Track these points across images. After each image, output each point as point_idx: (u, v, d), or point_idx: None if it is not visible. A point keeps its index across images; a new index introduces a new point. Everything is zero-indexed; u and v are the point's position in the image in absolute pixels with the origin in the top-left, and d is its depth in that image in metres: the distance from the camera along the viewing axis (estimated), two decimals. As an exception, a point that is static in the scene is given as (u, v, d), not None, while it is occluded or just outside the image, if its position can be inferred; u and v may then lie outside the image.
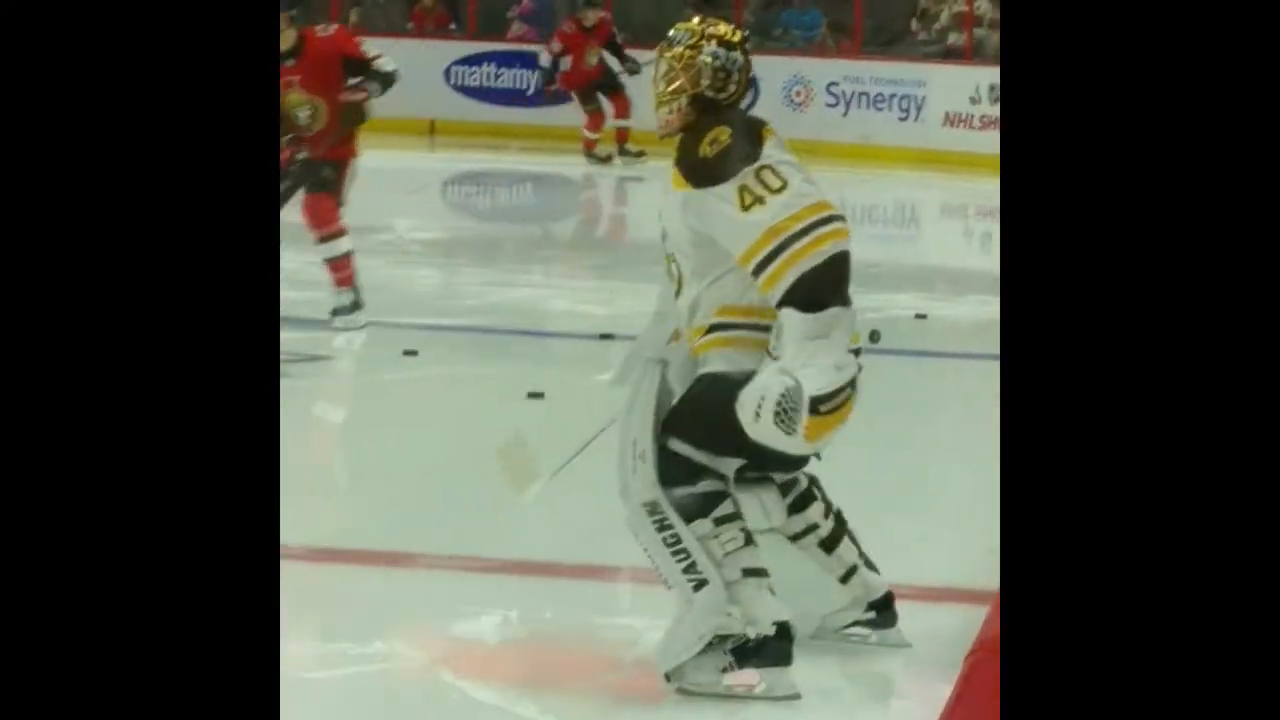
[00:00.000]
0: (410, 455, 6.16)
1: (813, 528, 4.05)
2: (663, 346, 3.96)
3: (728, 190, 3.75)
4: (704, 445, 3.80)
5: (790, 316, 3.68)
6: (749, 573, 3.78)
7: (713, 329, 3.82)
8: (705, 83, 3.89)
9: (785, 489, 4.03)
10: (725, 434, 3.75)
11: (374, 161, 15.64)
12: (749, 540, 3.81)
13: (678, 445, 3.81)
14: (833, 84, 17.50)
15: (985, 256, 12.41)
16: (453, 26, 18.67)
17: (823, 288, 3.70)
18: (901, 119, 16.91)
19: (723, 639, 3.76)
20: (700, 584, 3.73)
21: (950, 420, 6.99)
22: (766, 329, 3.76)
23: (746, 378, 3.72)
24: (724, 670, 3.77)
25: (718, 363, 3.80)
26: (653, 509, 3.77)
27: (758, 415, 3.65)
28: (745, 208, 3.73)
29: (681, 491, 3.78)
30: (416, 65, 16.89)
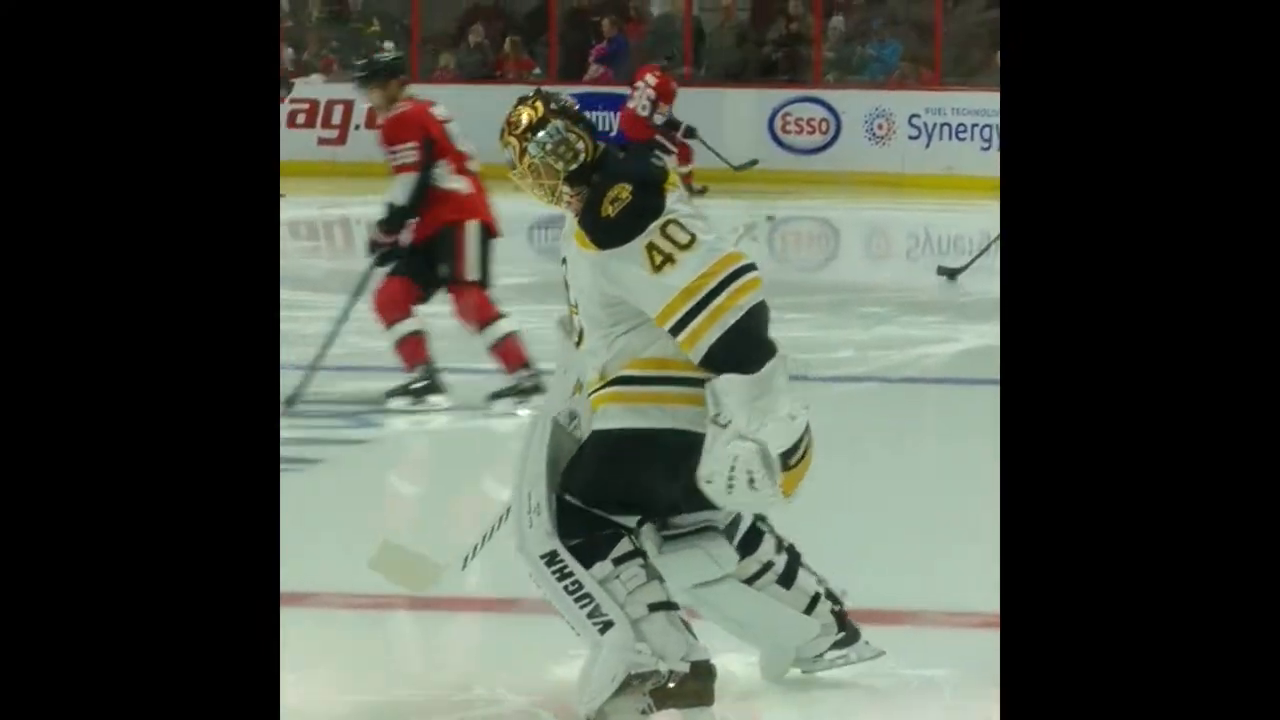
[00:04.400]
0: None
1: (767, 566, 3.92)
2: (564, 401, 3.87)
3: (635, 250, 3.64)
4: (599, 504, 3.76)
5: (731, 382, 3.60)
6: (655, 607, 3.73)
7: (616, 382, 3.74)
8: (560, 166, 3.78)
9: (729, 532, 3.91)
10: (619, 494, 3.75)
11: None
12: (652, 576, 3.75)
13: (574, 500, 3.76)
14: (914, 116, 17.51)
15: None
16: (537, 71, 18.82)
17: (748, 342, 3.62)
18: (984, 149, 16.86)
19: (641, 679, 3.71)
20: (606, 625, 3.70)
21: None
22: (673, 381, 3.69)
23: (638, 435, 3.69)
24: (643, 713, 3.72)
25: (613, 418, 3.73)
26: (551, 559, 3.73)
27: (730, 488, 3.61)
28: (656, 268, 3.62)
29: (578, 541, 3.74)
30: (500, 111, 17.02)
